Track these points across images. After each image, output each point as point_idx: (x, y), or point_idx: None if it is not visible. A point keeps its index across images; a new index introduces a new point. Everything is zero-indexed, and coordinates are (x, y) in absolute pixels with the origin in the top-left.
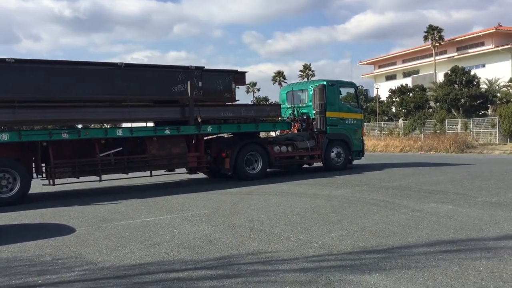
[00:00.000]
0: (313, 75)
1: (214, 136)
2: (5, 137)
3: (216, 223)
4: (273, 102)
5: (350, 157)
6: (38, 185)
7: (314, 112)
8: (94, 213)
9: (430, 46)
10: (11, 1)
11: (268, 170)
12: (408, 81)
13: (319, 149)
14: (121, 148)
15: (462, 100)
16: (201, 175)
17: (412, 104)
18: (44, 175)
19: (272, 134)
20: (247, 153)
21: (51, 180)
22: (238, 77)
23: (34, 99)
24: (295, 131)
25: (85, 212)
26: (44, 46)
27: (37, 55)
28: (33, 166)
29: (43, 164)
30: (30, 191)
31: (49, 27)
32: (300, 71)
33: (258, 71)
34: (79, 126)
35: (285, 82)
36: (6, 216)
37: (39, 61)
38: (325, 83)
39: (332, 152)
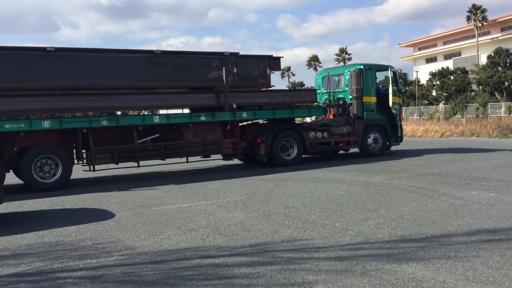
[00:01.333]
0: (349, 59)
1: (249, 122)
2: (46, 124)
3: (251, 209)
4: (309, 87)
5: (388, 143)
6: (79, 171)
7: (351, 97)
8: (132, 198)
9: (472, 26)
10: None
11: (303, 156)
12: (449, 64)
13: (355, 135)
14: (158, 135)
15: (506, 83)
16: (236, 161)
17: (454, 88)
18: (84, 161)
19: (308, 119)
20: (282, 139)
21: (91, 166)
22: (273, 62)
23: (73, 87)
24: (331, 117)
25: (124, 198)
26: (82, 34)
27: (76, 43)
28: (74, 152)
29: (83, 151)
30: (72, 177)
31: (87, 15)
32: (336, 55)
33: (293, 56)
34: (118, 113)
35: (320, 67)
36: (49, 201)
37: (78, 49)
38: (362, 67)
39: (369, 137)
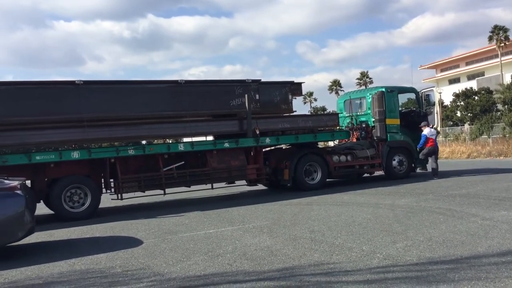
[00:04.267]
0: (370, 83)
1: (272, 148)
2: (76, 155)
3: (277, 234)
4: (331, 111)
5: (413, 165)
6: (107, 200)
7: (373, 119)
8: (159, 225)
9: (495, 46)
10: (73, 25)
11: (327, 180)
12: (473, 84)
13: (379, 157)
14: (183, 162)
15: None
16: (260, 186)
17: (478, 108)
18: (112, 190)
19: (331, 143)
20: (306, 164)
21: (119, 195)
22: (295, 88)
23: (101, 118)
24: (354, 140)
25: (151, 225)
26: (106, 67)
27: (101, 75)
28: (102, 181)
29: (111, 180)
30: (100, 206)
31: (111, 48)
32: (357, 79)
33: (313, 81)
34: (143, 142)
35: (341, 91)
36: (78, 230)
37: (105, 81)
38: (383, 89)
39: (394, 160)
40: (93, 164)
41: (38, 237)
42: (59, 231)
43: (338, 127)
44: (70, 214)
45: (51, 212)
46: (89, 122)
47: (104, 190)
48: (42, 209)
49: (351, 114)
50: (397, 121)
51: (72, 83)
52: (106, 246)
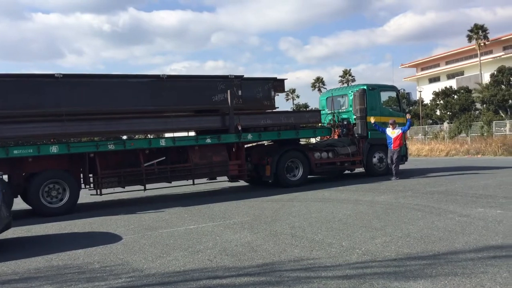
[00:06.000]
0: (353, 80)
1: (254, 144)
2: (54, 149)
3: (258, 230)
4: (313, 108)
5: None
6: (86, 195)
7: (355, 117)
8: (139, 221)
9: (474, 46)
10: (52, 17)
11: (309, 176)
12: (453, 83)
13: (360, 154)
14: (164, 158)
15: (510, 101)
16: (242, 182)
17: (457, 107)
18: (91, 185)
19: (313, 140)
20: (287, 160)
21: (98, 190)
22: (277, 84)
23: (81, 112)
24: (336, 137)
25: (131, 221)
26: (86, 60)
27: (81, 69)
28: (81, 176)
29: (90, 175)
30: (79, 201)
31: (91, 41)
32: (340, 76)
33: (296, 78)
34: (124, 137)
35: (324, 88)
36: (56, 225)
37: (85, 75)
38: (365, 87)
39: (374, 157)
40: (72, 158)
41: (15, 232)
42: (36, 226)
43: (320, 124)
44: (48, 209)
45: (29, 207)
46: (69, 116)
47: (83, 186)
48: (19, 204)
49: (333, 111)
50: (378, 119)
51: (51, 76)
52: (85, 242)
